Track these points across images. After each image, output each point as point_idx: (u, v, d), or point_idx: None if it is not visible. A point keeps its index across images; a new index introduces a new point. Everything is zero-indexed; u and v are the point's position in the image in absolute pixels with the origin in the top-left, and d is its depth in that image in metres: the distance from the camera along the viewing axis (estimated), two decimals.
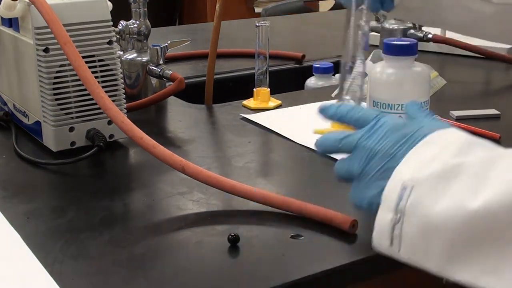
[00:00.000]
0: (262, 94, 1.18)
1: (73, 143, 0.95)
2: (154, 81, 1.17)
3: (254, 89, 1.19)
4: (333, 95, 1.21)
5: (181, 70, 1.39)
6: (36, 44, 0.92)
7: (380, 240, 0.65)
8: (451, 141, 0.64)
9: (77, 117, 0.95)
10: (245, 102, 1.19)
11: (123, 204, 0.83)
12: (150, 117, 1.16)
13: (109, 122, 0.96)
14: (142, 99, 1.14)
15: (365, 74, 0.89)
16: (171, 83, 1.12)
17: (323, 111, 0.75)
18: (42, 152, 0.97)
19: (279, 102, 1.19)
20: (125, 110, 0.99)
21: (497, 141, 0.99)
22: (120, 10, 1.16)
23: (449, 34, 1.49)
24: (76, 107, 0.95)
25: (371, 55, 1.18)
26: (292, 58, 1.52)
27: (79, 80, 0.89)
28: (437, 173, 0.61)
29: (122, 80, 0.98)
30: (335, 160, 0.93)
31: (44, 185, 0.91)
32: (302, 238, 0.73)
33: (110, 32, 0.96)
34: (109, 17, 0.96)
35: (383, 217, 0.64)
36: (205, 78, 1.20)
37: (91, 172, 0.94)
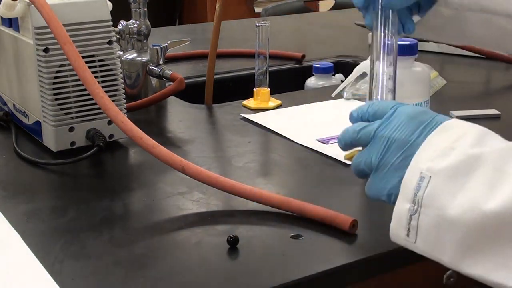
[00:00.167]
0: (262, 94, 1.18)
1: (73, 143, 0.95)
2: (154, 81, 1.18)
3: (254, 89, 1.18)
4: (333, 95, 1.21)
5: (181, 70, 1.39)
6: (36, 44, 0.92)
7: (397, 230, 0.64)
8: (468, 128, 0.64)
9: (77, 117, 0.95)
10: (245, 102, 1.19)
11: (123, 204, 0.83)
12: (150, 117, 1.15)
13: (109, 122, 0.96)
14: (142, 99, 1.14)
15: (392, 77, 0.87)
16: (171, 83, 1.12)
17: (351, 117, 0.73)
18: (42, 152, 0.97)
19: (279, 102, 1.19)
20: (125, 110, 0.99)
21: None
22: (120, 10, 1.16)
23: None
24: (76, 107, 0.95)
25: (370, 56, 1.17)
26: (292, 58, 1.52)
27: (79, 80, 0.89)
28: (455, 164, 0.61)
29: (122, 80, 0.98)
30: (336, 160, 0.94)
31: (44, 185, 0.91)
32: (302, 238, 0.73)
33: (110, 32, 0.96)
34: (109, 17, 0.96)
35: (401, 207, 0.64)
36: (205, 78, 1.20)
37: (91, 172, 0.94)
